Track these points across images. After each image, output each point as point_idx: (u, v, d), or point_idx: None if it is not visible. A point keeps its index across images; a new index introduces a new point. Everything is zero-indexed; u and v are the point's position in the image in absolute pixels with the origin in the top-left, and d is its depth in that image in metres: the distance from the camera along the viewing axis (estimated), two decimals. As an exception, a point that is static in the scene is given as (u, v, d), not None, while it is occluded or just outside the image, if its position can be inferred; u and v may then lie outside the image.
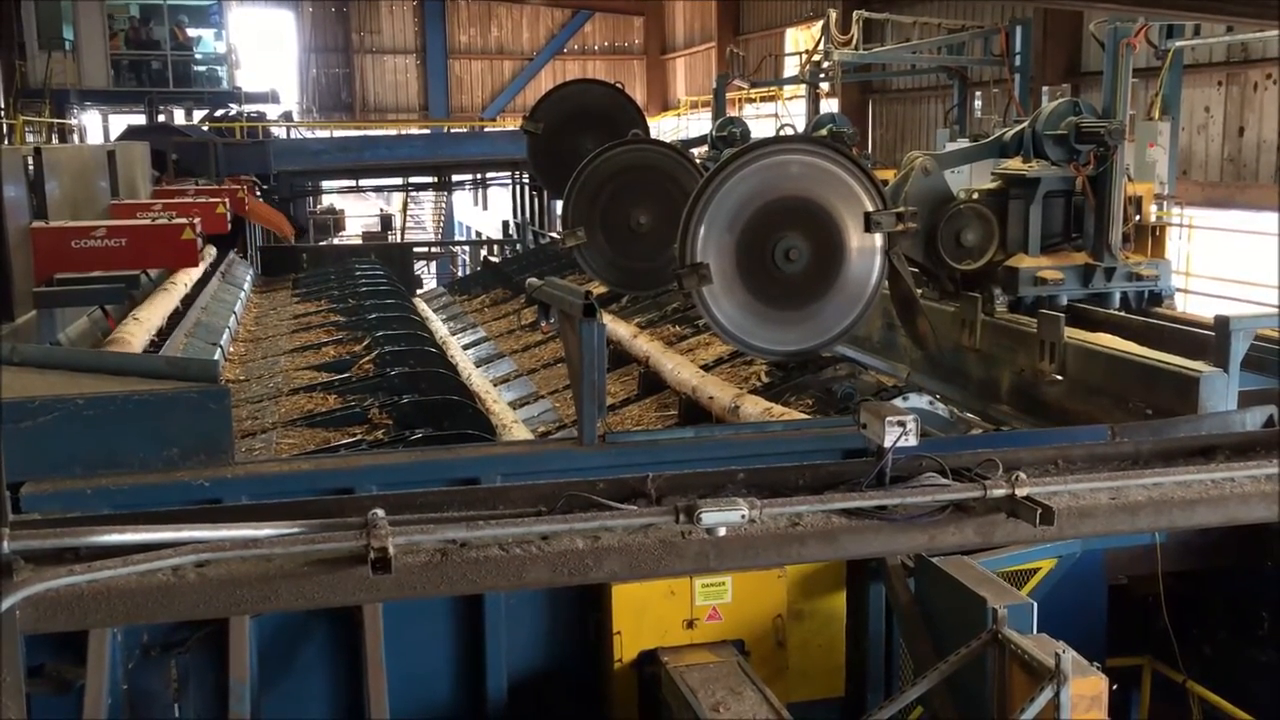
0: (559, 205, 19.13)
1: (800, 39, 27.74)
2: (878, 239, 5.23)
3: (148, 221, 8.67)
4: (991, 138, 8.18)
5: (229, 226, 11.40)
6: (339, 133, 29.53)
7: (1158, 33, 11.77)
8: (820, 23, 18.75)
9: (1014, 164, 7.59)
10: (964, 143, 12.22)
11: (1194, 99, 15.11)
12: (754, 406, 6.82)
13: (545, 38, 36.98)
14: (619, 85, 8.45)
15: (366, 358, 9.27)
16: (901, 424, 3.60)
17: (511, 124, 26.76)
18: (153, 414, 4.49)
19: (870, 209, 5.17)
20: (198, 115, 25.07)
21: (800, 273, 5.24)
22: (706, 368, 8.72)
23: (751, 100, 26.21)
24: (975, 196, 7.42)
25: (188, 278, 10.88)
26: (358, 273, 15.04)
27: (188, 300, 10.82)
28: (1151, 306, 7.61)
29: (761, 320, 5.35)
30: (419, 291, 17.99)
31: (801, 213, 5.22)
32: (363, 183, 22.61)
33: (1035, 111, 7.94)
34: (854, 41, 16.75)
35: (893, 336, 8.11)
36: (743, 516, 3.32)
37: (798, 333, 5.45)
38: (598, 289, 12.30)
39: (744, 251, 5.22)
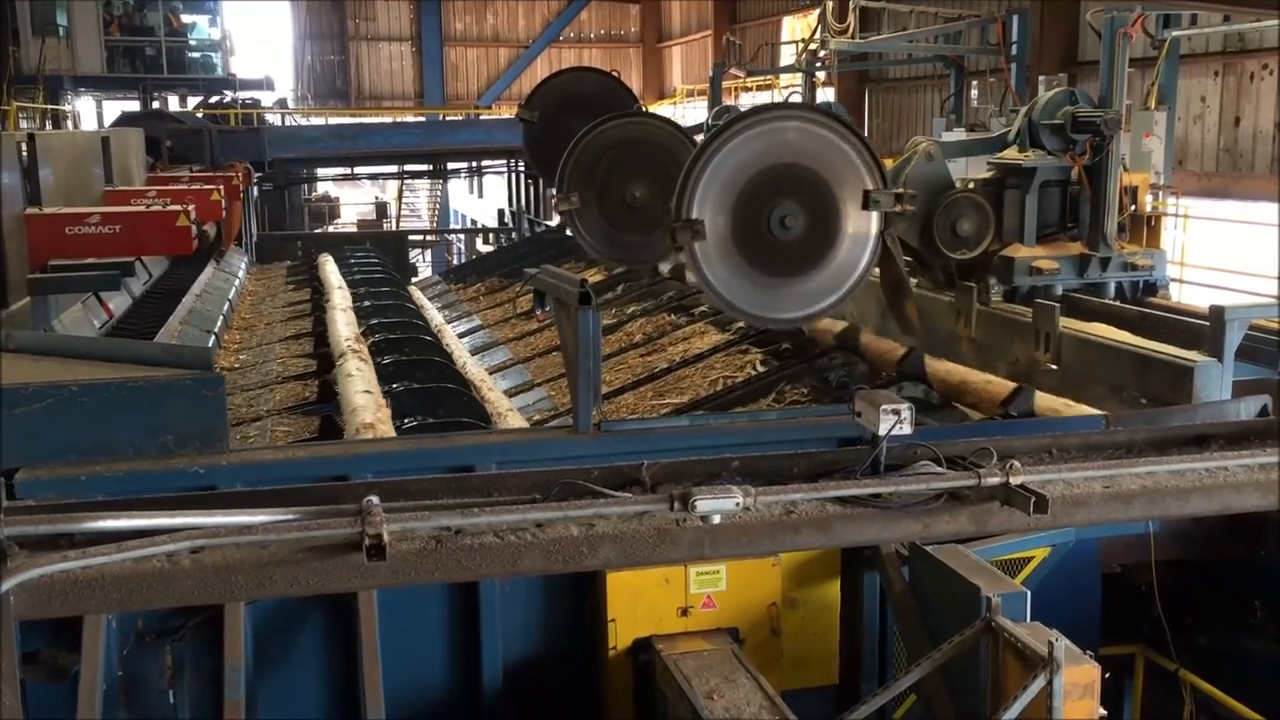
0: (554, 193, 19.15)
1: (797, 27, 27.69)
2: (874, 218, 5.20)
3: (142, 208, 8.64)
4: (996, 134, 8.16)
5: (223, 213, 11.37)
6: (334, 120, 29.45)
7: (1154, 22, 11.75)
8: (816, 11, 18.71)
9: (1010, 153, 7.58)
10: (960, 133, 12.21)
11: (1190, 89, 15.09)
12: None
13: (541, 25, 36.86)
14: (615, 73, 8.41)
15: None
16: (896, 412, 3.60)
17: (507, 112, 26.67)
18: (147, 401, 4.49)
19: (870, 187, 5.13)
20: (192, 102, 24.99)
21: (794, 241, 5.19)
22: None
23: (748, 89, 26.16)
24: (971, 186, 7.42)
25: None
26: (353, 261, 15.03)
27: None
28: (1146, 296, 7.61)
29: (751, 285, 5.29)
30: (414, 280, 17.99)
31: (801, 182, 5.16)
32: (358, 170, 22.59)
33: (1032, 101, 7.92)
34: (850, 30, 16.72)
35: (889, 327, 8.11)
36: (737, 504, 3.32)
37: (786, 301, 5.38)
38: (594, 278, 12.30)
39: (740, 214, 5.16)
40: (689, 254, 5.16)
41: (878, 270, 5.66)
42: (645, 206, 6.79)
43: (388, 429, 6.49)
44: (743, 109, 14.26)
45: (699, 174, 5.09)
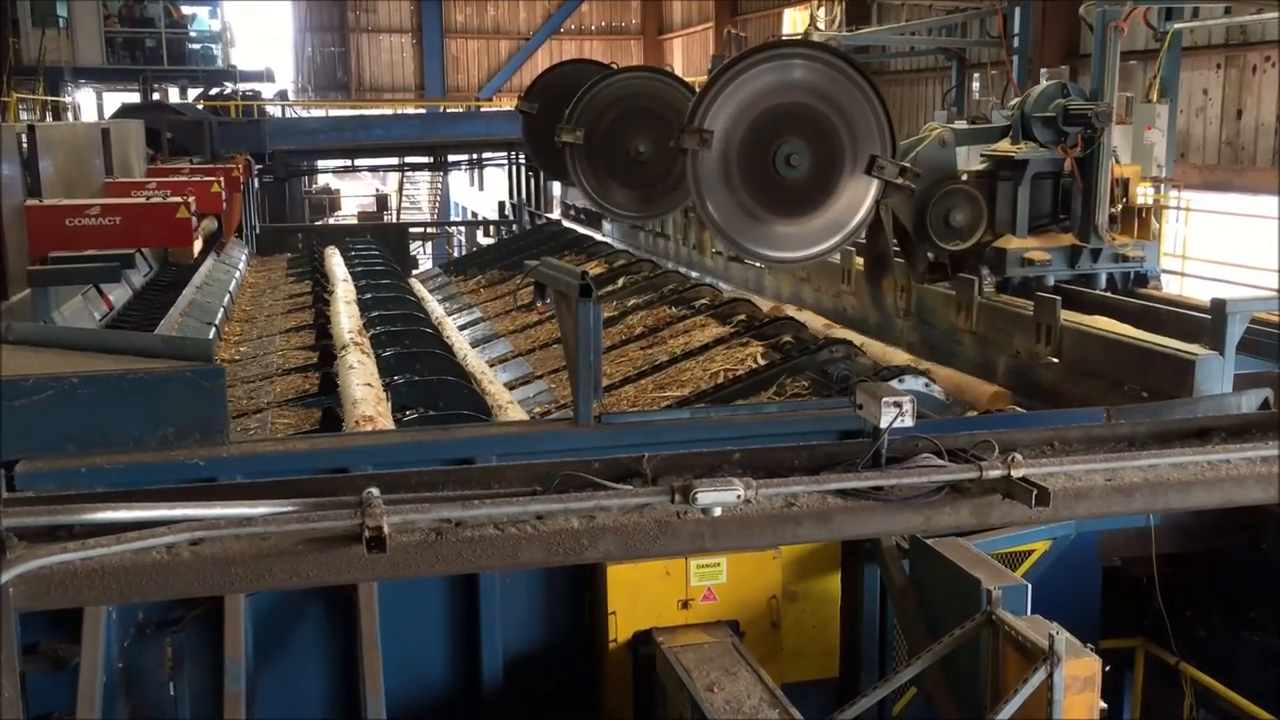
0: (555, 186, 19.11)
1: (798, 19, 27.64)
2: (874, 184, 5.17)
3: (142, 200, 8.64)
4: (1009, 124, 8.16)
5: (224, 205, 11.34)
6: (334, 112, 29.42)
7: (1156, 15, 11.74)
8: (818, 4, 18.69)
9: (1003, 145, 7.59)
10: (961, 124, 12.21)
11: (1192, 81, 15.07)
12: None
13: (542, 17, 36.78)
14: (615, 65, 8.39)
15: (362, 338, 9.25)
16: (898, 405, 3.60)
17: (507, 104, 26.61)
18: (147, 393, 4.48)
19: (878, 152, 5.09)
20: (192, 94, 24.97)
21: (792, 182, 5.15)
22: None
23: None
24: (964, 178, 7.42)
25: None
26: (353, 253, 15.01)
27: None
28: (1136, 287, 7.63)
29: (739, 211, 5.25)
30: (415, 272, 17.97)
31: (817, 128, 5.12)
32: (358, 162, 22.56)
33: (1025, 93, 7.93)
34: (837, 21, 16.68)
35: (890, 320, 8.11)
36: (738, 497, 3.32)
37: (768, 239, 5.34)
38: (594, 270, 12.29)
39: (749, 140, 5.11)
40: (690, 162, 5.10)
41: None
42: (646, 164, 6.71)
43: (388, 421, 6.49)
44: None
45: (721, 87, 5.03)
